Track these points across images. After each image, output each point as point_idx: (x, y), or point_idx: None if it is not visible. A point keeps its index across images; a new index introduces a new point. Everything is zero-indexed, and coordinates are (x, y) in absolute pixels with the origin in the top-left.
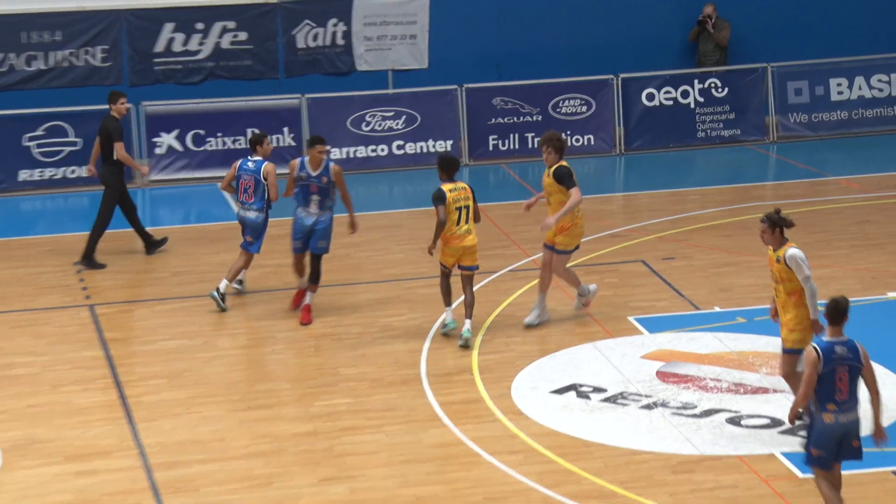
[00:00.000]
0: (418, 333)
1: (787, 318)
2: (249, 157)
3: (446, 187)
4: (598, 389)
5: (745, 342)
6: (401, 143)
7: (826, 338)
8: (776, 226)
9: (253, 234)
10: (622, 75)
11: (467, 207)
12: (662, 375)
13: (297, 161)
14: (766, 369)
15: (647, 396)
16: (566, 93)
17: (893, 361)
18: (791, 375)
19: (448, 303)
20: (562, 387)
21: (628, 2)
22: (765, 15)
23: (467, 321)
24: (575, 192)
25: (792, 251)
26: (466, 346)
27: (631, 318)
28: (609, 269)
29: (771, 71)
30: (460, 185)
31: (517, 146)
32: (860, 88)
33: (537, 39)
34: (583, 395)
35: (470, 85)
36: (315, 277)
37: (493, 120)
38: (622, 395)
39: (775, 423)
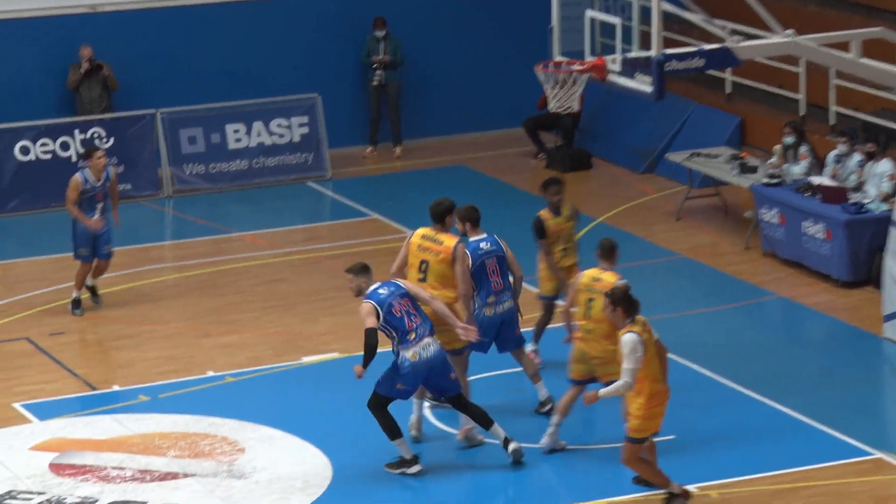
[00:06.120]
0: None
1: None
2: None
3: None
4: None
5: (149, 423)
6: None
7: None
8: (617, 304)
9: None
10: None
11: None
12: (57, 468)
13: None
14: (174, 452)
15: (39, 494)
16: None
17: (305, 428)
18: (631, 461)
19: None
20: None
21: None
22: (149, 57)
23: None
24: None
25: (627, 336)
26: None
27: (16, 405)
28: None
29: (161, 117)
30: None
31: None
32: (259, 135)
33: None
34: None
35: None
36: None
37: None
38: (10, 495)
39: None
